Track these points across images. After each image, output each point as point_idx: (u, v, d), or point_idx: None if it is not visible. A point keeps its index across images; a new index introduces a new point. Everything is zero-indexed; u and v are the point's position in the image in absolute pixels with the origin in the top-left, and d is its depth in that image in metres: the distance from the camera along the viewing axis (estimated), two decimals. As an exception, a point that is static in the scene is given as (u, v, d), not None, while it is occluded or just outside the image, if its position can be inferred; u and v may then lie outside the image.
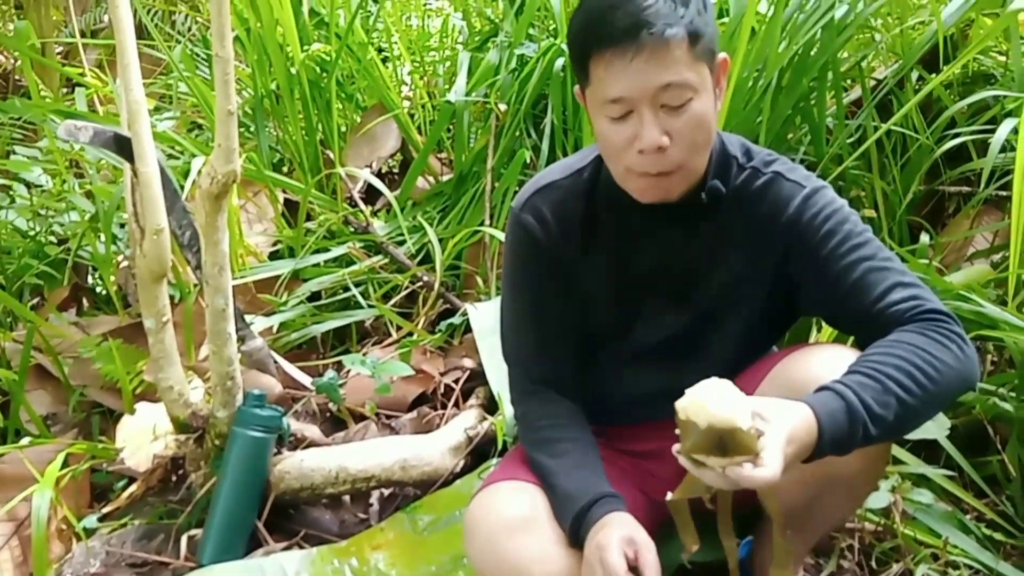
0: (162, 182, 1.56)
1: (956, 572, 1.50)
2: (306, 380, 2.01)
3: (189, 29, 3.95)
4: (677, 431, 1.00)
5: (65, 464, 1.67)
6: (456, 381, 2.04)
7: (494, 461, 1.76)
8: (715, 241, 1.24)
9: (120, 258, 2.44)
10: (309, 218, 2.50)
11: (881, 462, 1.22)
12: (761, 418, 0.98)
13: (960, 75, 2.26)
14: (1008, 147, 1.86)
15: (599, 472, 1.23)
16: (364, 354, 2.08)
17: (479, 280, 2.34)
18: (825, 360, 1.16)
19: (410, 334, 2.21)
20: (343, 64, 2.74)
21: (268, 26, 2.51)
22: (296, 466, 1.70)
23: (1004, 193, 1.99)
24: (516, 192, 1.45)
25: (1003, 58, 2.28)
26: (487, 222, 2.39)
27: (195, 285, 2.10)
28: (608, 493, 1.19)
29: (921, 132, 2.10)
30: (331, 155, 2.63)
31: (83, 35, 3.69)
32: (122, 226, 2.44)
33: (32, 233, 2.54)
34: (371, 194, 2.70)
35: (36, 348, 2.08)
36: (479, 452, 1.81)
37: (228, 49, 1.38)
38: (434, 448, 1.78)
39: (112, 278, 2.37)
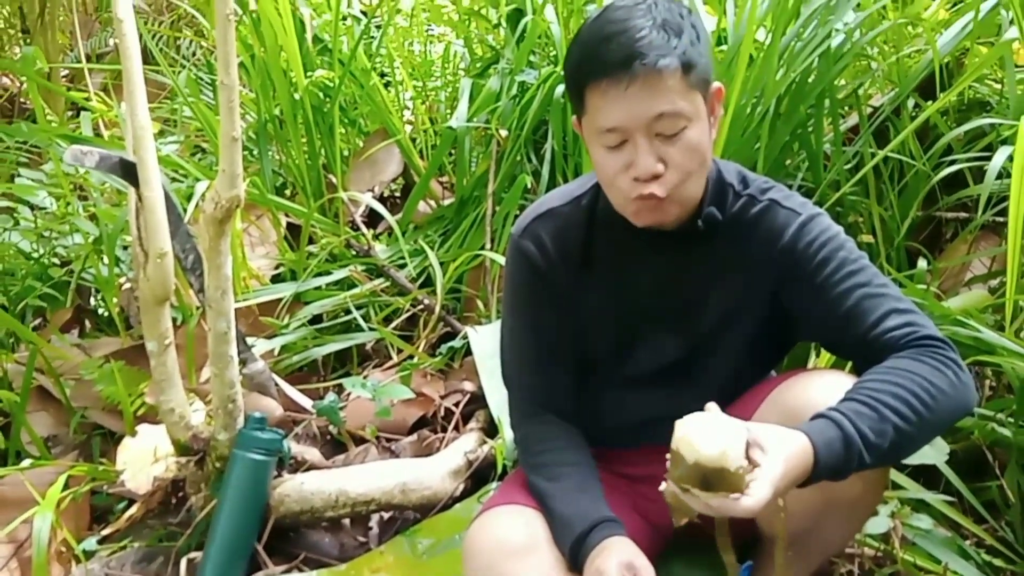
0: (166, 206, 1.57)
1: (956, 598, 1.49)
2: (307, 403, 2.01)
3: (194, 54, 4.00)
4: (668, 455, 1.01)
5: (66, 486, 1.67)
6: (456, 404, 2.05)
7: (494, 485, 1.76)
8: (712, 268, 1.25)
9: (123, 280, 2.45)
10: (311, 241, 2.51)
11: (880, 486, 1.23)
12: (760, 447, 0.99)
13: (956, 103, 2.28)
14: (1004, 174, 1.87)
15: (599, 496, 1.23)
16: (365, 377, 2.08)
17: (480, 303, 2.35)
18: (823, 386, 1.17)
19: (411, 357, 2.22)
20: (346, 89, 2.77)
21: (272, 52, 2.54)
22: (296, 489, 1.71)
23: (1001, 219, 2.00)
24: (517, 216, 1.46)
25: (998, 86, 2.30)
26: (488, 246, 2.40)
27: (197, 308, 2.11)
28: (608, 517, 1.19)
29: (918, 159, 2.11)
30: (334, 179, 2.65)
31: (88, 59, 3.73)
32: (125, 248, 2.45)
33: (36, 255, 2.56)
34: (373, 218, 2.72)
35: (38, 370, 2.09)
36: (479, 476, 1.82)
37: (233, 77, 1.41)
38: (434, 471, 1.78)
39: (115, 300, 2.38)
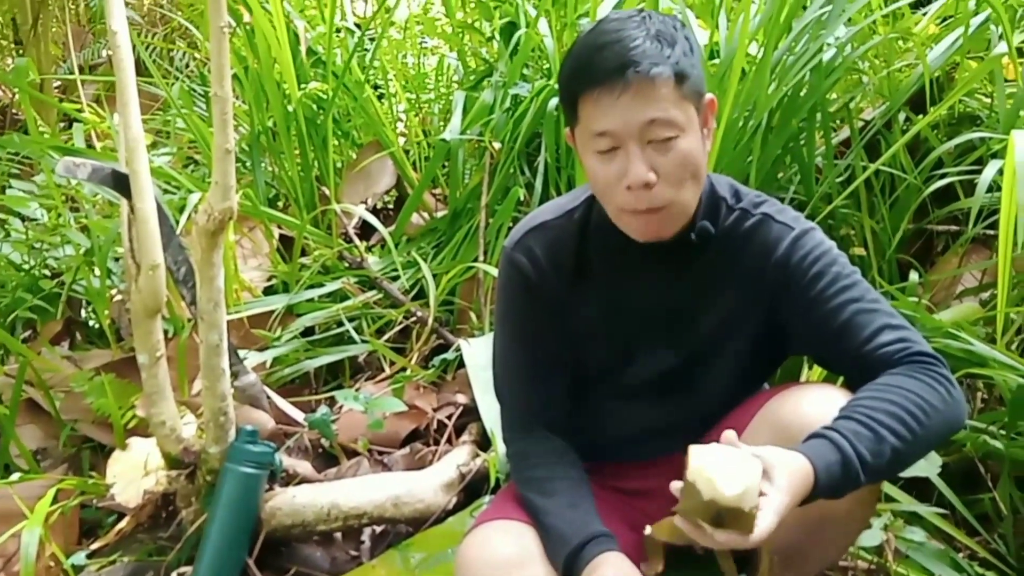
0: (159, 218, 1.57)
1: (950, 611, 1.49)
2: (299, 416, 2.00)
3: (187, 65, 3.99)
4: (678, 489, 1.00)
5: (55, 500, 1.66)
6: (449, 417, 2.04)
7: (487, 498, 1.75)
8: (705, 282, 1.26)
9: (114, 292, 2.44)
10: (304, 253, 2.51)
11: (873, 500, 1.23)
12: (768, 479, 0.99)
13: (946, 116, 2.30)
14: (995, 187, 1.89)
15: (592, 511, 1.23)
16: (357, 389, 2.08)
17: (473, 316, 2.35)
18: (815, 401, 1.17)
19: (403, 369, 2.21)
20: (340, 102, 2.77)
21: (266, 64, 2.54)
22: (288, 502, 1.70)
23: (992, 232, 2.02)
24: (510, 229, 1.46)
25: (988, 100, 2.32)
26: (481, 258, 2.40)
27: (189, 320, 2.10)
28: (601, 532, 1.19)
29: (909, 172, 2.13)
30: (327, 191, 2.65)
31: (81, 70, 3.73)
32: (117, 260, 2.44)
33: (26, 267, 2.55)
34: (366, 230, 2.72)
35: (28, 382, 2.07)
36: (472, 489, 1.81)
37: (227, 89, 1.40)
38: (426, 485, 1.77)
39: (106, 312, 2.37)
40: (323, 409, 1.97)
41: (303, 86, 2.58)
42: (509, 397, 1.36)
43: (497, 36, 2.78)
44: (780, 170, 2.29)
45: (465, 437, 1.97)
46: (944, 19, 2.34)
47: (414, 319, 2.33)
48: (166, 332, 1.97)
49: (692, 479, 0.97)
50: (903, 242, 2.18)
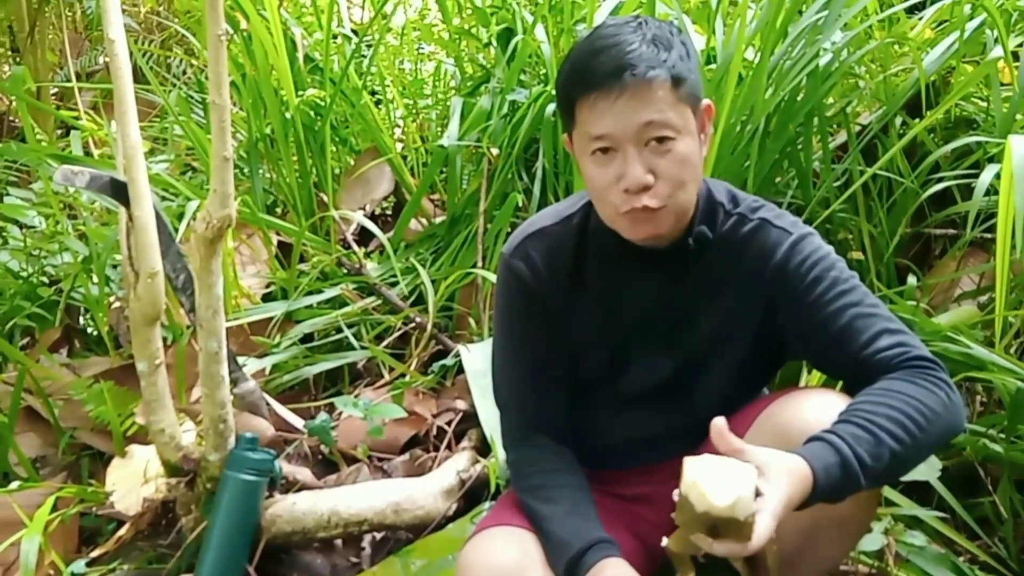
0: (157, 226, 1.57)
1: (950, 615, 1.49)
2: (298, 423, 2.00)
3: (184, 73, 4.00)
4: (676, 497, 1.00)
5: (54, 508, 1.65)
6: (449, 423, 2.04)
7: (487, 505, 1.75)
8: (703, 287, 1.26)
9: (113, 300, 2.44)
10: (302, 260, 2.51)
11: (873, 504, 1.23)
12: (764, 478, 0.99)
13: (943, 120, 2.31)
14: (992, 191, 1.89)
15: (592, 517, 1.23)
16: (356, 396, 2.07)
17: (472, 321, 2.35)
18: (815, 405, 1.17)
19: (402, 375, 2.21)
20: (337, 108, 2.78)
21: (263, 71, 2.55)
22: (288, 509, 1.69)
23: (989, 236, 2.02)
24: (508, 234, 1.47)
25: (984, 104, 2.32)
26: (479, 264, 2.41)
27: (188, 327, 2.10)
28: (602, 539, 1.18)
29: (906, 176, 2.13)
30: (325, 198, 2.65)
31: (78, 77, 3.73)
32: (115, 267, 2.44)
33: (25, 275, 2.54)
34: (364, 236, 2.72)
35: (26, 390, 2.07)
36: (472, 495, 1.81)
37: (225, 96, 1.41)
38: (427, 491, 1.77)
39: (104, 320, 2.37)
40: (322, 416, 1.97)
41: (301, 93, 2.58)
42: (509, 404, 1.36)
43: (494, 42, 2.79)
44: (777, 175, 2.29)
45: (465, 443, 1.96)
46: (940, 23, 2.34)
47: (413, 325, 2.33)
48: (165, 339, 1.97)
49: (685, 492, 0.98)
50: (901, 246, 2.18)
